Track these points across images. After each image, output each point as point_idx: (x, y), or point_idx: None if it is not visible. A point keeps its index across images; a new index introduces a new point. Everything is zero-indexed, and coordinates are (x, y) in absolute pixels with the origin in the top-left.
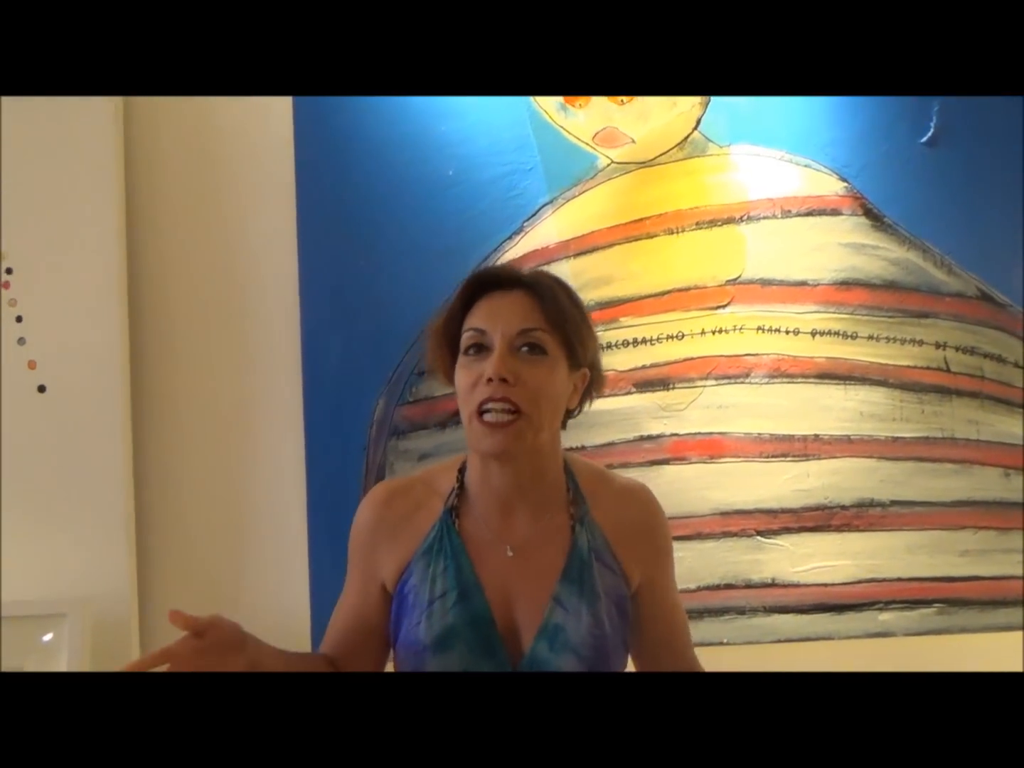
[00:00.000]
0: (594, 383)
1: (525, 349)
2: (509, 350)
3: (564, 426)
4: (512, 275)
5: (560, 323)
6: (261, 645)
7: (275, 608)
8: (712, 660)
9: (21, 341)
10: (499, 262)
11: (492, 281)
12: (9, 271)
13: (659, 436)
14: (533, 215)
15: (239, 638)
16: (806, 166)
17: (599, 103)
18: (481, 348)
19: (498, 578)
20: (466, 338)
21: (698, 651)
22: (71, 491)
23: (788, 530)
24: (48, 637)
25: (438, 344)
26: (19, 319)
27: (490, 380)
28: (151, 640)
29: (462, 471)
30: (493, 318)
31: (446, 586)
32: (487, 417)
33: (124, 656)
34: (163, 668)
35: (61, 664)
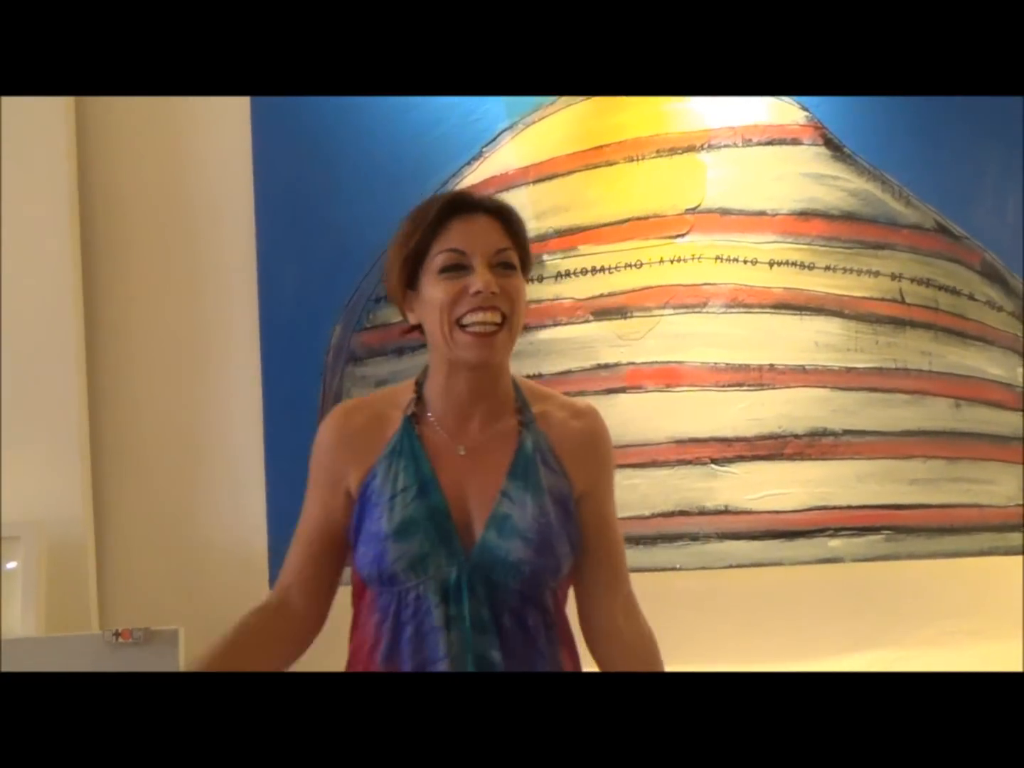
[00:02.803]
0: None
1: (500, 267)
2: (489, 267)
3: None
4: (480, 200)
5: (522, 242)
6: None
7: (232, 530)
8: (665, 585)
9: None
10: (458, 187)
11: (462, 205)
12: None
13: (616, 365)
14: (492, 140)
15: None
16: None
17: None
18: (460, 267)
19: (453, 476)
20: (442, 258)
21: (652, 576)
22: (24, 413)
23: (742, 458)
24: (12, 565)
25: (402, 264)
26: None
27: (477, 292)
28: (107, 562)
29: (419, 384)
30: (471, 239)
31: (406, 482)
32: (473, 328)
33: (80, 580)
34: None
35: (16, 587)
